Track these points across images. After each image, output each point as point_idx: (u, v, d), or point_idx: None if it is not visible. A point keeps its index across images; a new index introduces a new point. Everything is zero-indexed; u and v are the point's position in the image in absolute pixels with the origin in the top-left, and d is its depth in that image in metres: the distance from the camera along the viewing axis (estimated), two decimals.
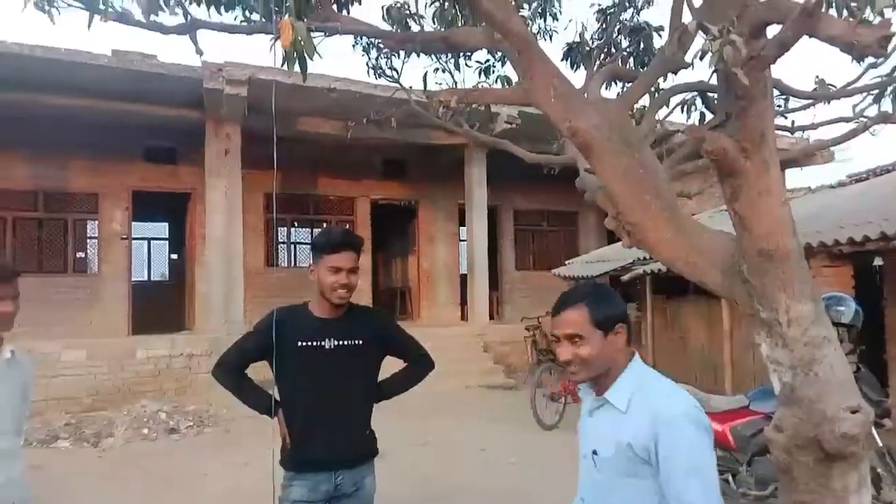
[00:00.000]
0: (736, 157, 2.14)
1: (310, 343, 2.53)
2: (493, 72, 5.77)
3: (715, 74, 2.81)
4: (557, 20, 5.38)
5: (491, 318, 13.46)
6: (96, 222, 12.07)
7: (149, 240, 16.40)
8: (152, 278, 16.67)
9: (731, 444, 4.42)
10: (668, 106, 4.81)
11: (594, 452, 1.82)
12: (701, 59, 2.31)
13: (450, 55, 5.42)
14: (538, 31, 5.67)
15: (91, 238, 12.45)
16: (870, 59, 3.69)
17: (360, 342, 2.58)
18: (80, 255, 12.25)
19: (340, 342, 2.56)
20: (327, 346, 2.54)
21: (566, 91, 2.97)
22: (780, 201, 2.32)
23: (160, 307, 12.88)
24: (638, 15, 4.93)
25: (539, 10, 5.21)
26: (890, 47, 1.85)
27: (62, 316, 10.82)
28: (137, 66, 9.57)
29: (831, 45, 2.20)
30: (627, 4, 4.79)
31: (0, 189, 11.25)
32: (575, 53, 4.85)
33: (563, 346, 1.79)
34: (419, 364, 2.81)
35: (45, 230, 11.84)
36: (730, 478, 4.44)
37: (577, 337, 1.76)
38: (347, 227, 14.00)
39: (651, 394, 1.76)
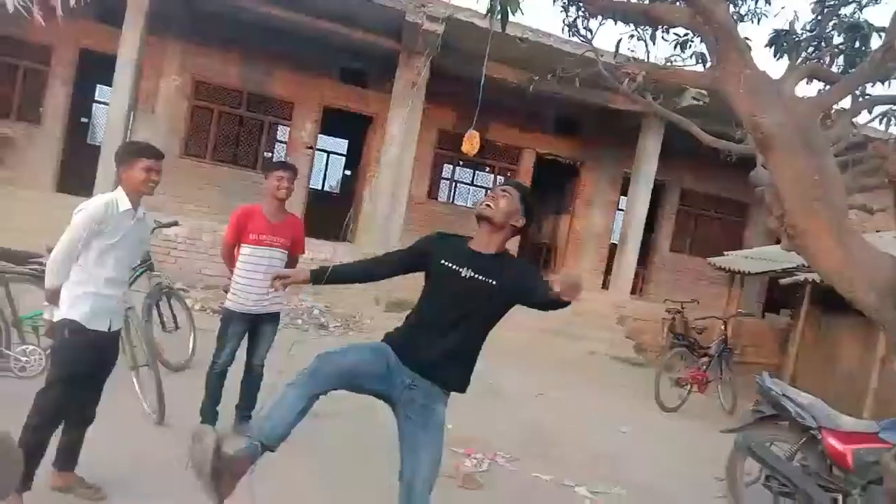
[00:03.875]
0: None
1: (450, 265, 2.77)
2: (690, 47, 5.67)
3: None
4: (770, 4, 5.18)
5: (633, 293, 13.31)
6: (287, 129, 13.24)
7: (328, 153, 17.66)
8: (324, 189, 18.04)
9: (850, 465, 4.31)
10: (870, 113, 4.56)
11: None
12: None
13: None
14: (746, 13, 5.49)
15: (280, 142, 13.68)
16: None
17: (494, 283, 2.71)
18: (268, 154, 13.53)
19: (476, 276, 2.72)
20: (463, 274, 2.73)
21: (756, 84, 3.00)
22: None
23: (327, 215, 13.95)
24: (860, 12, 4.65)
25: None
26: None
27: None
28: None
29: None
30: None
31: (214, 84, 12.63)
32: (781, 41, 4.69)
33: None
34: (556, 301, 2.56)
35: (244, 127, 13.18)
36: (839, 498, 4.36)
37: None
38: (509, 175, 14.26)
39: None
